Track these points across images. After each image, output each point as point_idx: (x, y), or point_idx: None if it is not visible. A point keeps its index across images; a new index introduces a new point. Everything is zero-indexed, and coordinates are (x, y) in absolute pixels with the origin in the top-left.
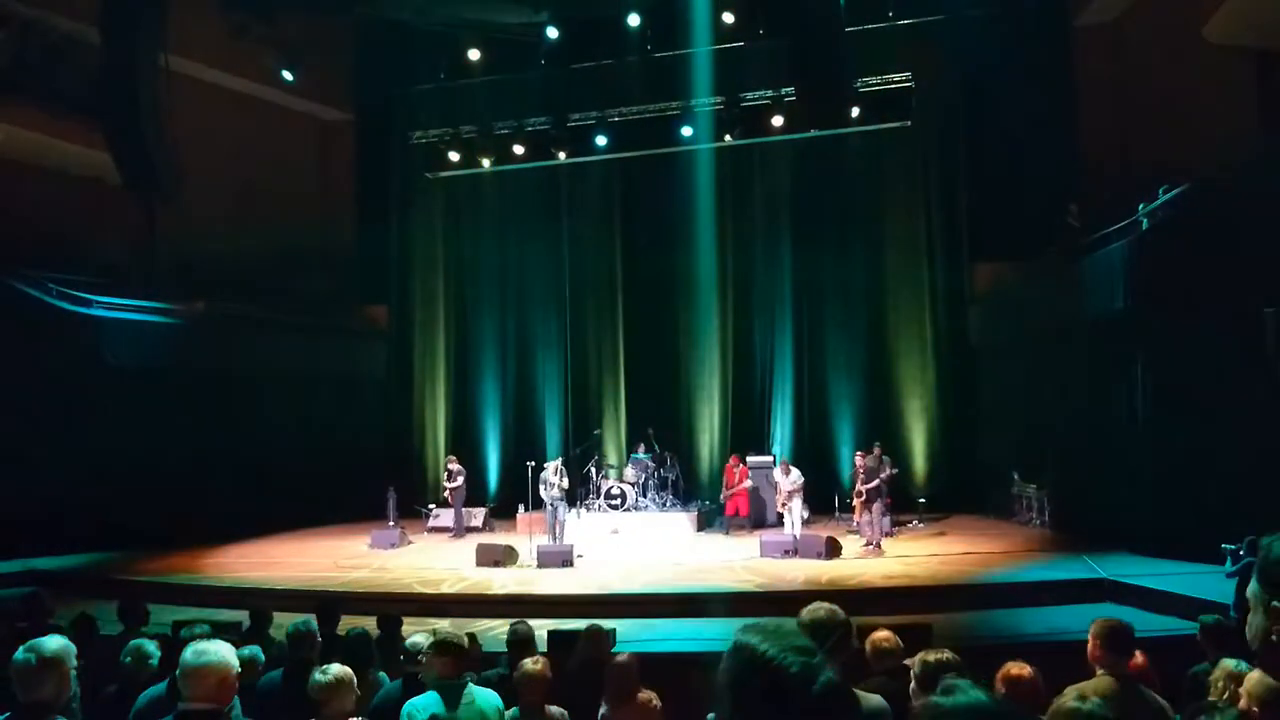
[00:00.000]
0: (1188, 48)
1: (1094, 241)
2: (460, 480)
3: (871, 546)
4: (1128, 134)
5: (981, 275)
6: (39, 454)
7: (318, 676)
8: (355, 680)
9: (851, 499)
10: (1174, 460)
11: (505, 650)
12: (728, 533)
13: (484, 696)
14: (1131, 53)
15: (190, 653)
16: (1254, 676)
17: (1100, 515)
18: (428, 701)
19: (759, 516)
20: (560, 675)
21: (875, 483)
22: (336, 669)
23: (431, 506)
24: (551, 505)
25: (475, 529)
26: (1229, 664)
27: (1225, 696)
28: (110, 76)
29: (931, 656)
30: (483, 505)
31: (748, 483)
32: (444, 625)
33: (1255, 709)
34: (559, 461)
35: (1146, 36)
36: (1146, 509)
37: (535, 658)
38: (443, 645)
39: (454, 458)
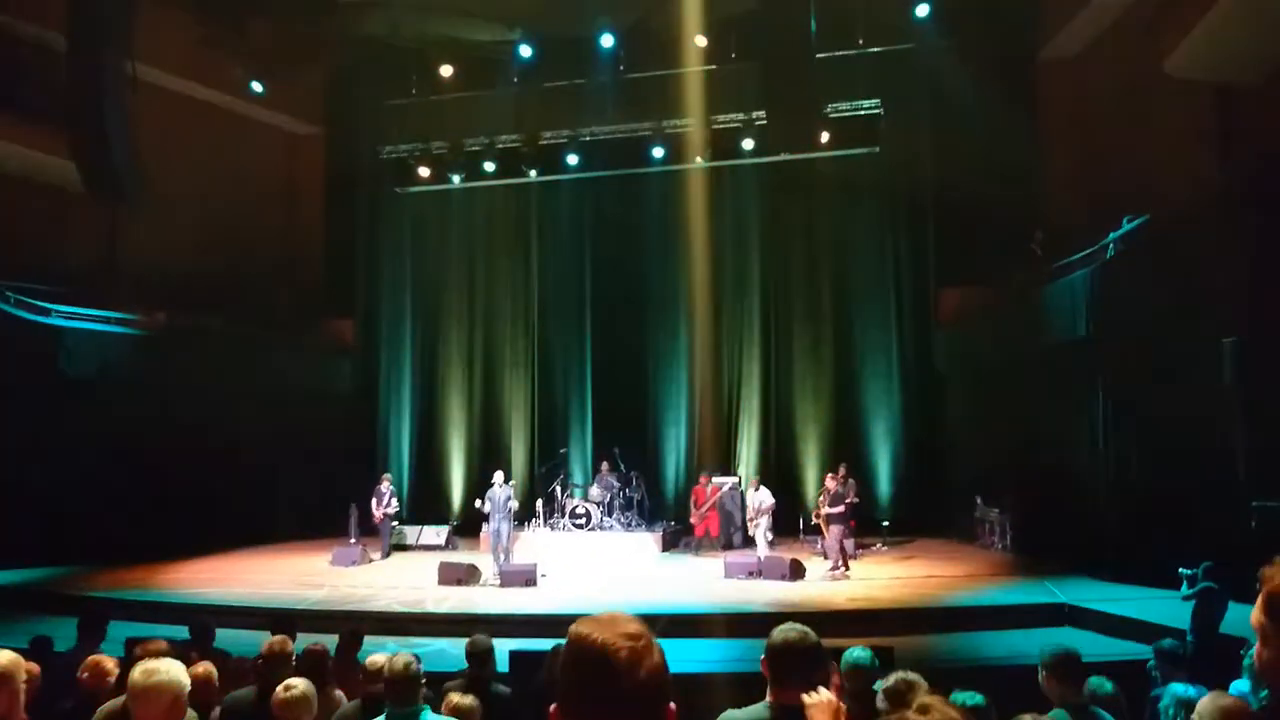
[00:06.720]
0: (1149, 82)
1: (1057, 269)
2: (395, 505)
3: (839, 570)
4: (1090, 165)
5: (947, 301)
6: None
7: (279, 692)
8: (315, 697)
9: (815, 520)
10: (1133, 485)
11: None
12: (696, 553)
13: None
14: (1094, 86)
15: (139, 672)
16: (1205, 702)
17: (1061, 540)
18: None
19: (726, 538)
20: (524, 696)
21: (841, 508)
22: (302, 685)
23: (395, 523)
24: (497, 525)
25: (438, 547)
26: (1177, 690)
27: None
28: (76, 84)
29: (899, 678)
30: (446, 523)
31: (725, 489)
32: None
33: None
34: (502, 478)
35: (1109, 71)
36: (1106, 533)
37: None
38: (393, 669)
39: (388, 478)
